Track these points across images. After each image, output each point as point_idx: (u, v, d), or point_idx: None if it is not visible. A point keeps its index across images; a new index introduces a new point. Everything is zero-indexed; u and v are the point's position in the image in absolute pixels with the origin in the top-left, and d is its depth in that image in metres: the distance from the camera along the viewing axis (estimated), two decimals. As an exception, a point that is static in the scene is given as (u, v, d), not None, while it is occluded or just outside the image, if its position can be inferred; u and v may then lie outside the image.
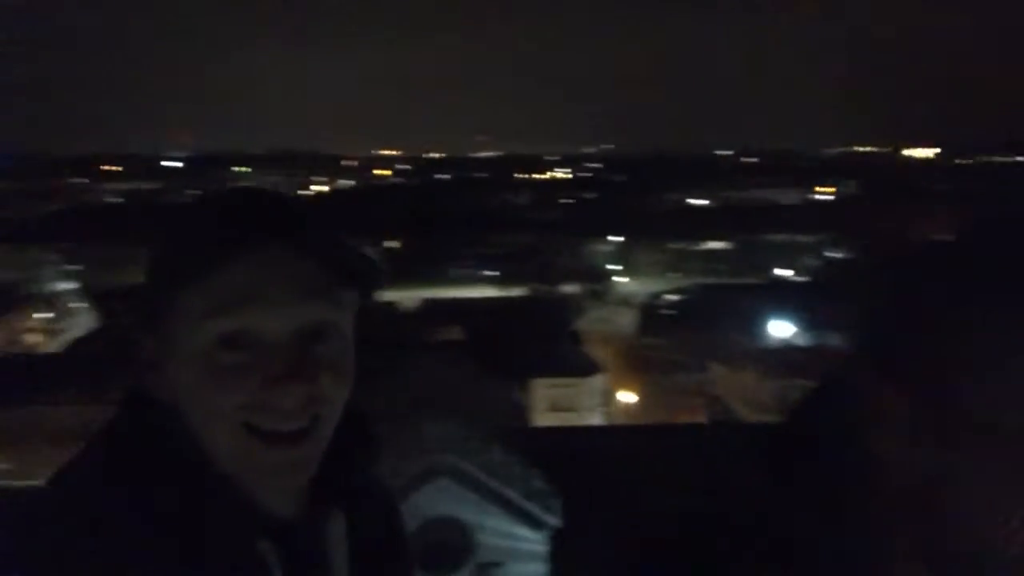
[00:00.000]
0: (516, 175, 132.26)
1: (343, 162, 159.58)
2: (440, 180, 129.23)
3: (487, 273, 69.50)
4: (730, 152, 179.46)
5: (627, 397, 38.48)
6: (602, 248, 75.48)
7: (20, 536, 0.70)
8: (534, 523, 18.73)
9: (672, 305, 51.25)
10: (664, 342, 41.77)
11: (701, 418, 33.90)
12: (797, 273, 66.84)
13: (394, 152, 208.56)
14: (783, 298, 46.16)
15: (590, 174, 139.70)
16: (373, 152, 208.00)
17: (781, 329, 43.15)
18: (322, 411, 0.74)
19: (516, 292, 58.56)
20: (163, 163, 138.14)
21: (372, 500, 0.88)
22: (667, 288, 58.72)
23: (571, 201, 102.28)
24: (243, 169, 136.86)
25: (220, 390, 0.72)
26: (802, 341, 39.89)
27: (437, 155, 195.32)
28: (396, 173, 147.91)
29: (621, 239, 76.63)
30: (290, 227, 0.75)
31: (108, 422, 0.78)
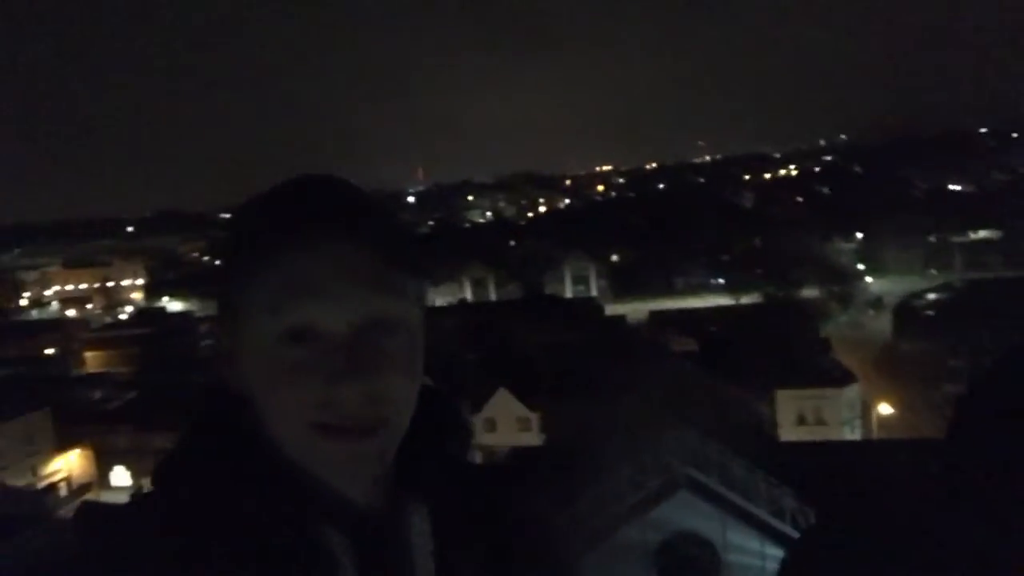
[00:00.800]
0: (739, 176, 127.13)
1: (566, 181, 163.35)
2: (661, 190, 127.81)
3: (716, 281, 67.35)
4: (988, 129, 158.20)
5: (886, 409, 35.05)
6: (844, 247, 69.84)
7: (136, 535, 0.71)
8: (787, 544, 17.54)
9: (934, 305, 45.97)
10: (927, 346, 37.64)
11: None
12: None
13: (612, 167, 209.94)
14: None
15: (821, 168, 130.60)
16: (594, 169, 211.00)
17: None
18: (388, 409, 0.71)
19: (749, 299, 56.12)
20: (408, 199, 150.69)
21: (463, 491, 0.82)
22: (926, 286, 52.94)
23: (802, 199, 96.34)
24: (471, 198, 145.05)
25: (285, 386, 0.70)
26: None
27: (655, 164, 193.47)
28: (616, 187, 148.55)
29: (863, 235, 70.51)
30: (351, 218, 0.72)
31: (191, 415, 0.79)
